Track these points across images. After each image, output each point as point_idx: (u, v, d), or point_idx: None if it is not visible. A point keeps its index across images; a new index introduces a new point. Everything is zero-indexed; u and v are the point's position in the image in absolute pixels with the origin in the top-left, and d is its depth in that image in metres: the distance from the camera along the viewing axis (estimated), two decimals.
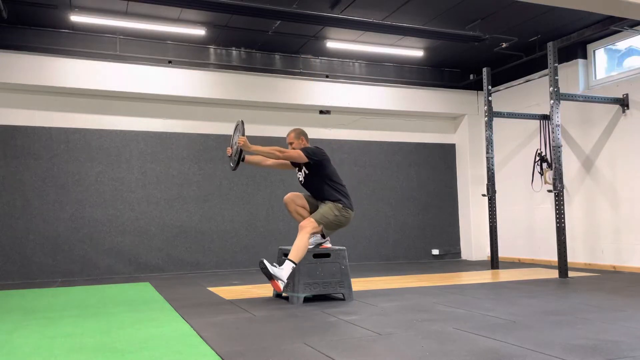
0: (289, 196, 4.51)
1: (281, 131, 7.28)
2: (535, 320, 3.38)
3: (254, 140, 7.40)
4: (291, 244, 4.34)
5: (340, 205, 4.37)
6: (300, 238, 4.17)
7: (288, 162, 4.54)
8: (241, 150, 4.35)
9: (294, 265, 4.10)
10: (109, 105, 6.90)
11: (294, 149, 4.48)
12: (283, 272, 4.04)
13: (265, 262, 4.01)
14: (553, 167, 5.94)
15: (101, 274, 6.57)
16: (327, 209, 4.33)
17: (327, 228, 4.34)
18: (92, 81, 6.56)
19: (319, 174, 4.41)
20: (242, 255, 7.22)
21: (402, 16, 6.23)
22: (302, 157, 4.32)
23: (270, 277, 4.01)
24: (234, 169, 4.55)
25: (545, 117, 7.03)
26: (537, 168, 7.22)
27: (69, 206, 6.55)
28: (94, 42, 6.70)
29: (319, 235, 4.42)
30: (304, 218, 4.43)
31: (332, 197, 4.38)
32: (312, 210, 4.47)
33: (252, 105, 7.48)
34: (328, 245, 4.49)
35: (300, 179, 4.55)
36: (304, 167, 4.47)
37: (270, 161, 4.58)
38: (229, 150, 4.60)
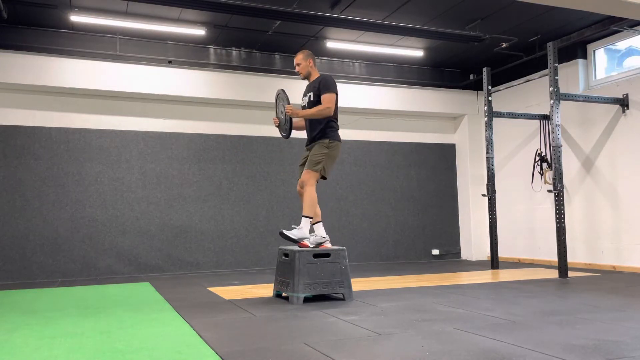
0: (299, 183, 4.58)
1: None
2: (535, 320, 3.38)
3: (255, 139, 7.46)
4: (291, 243, 4.35)
5: (327, 140, 4.45)
6: (307, 192, 4.36)
7: None
8: (291, 119, 4.50)
9: (310, 219, 4.36)
10: (109, 105, 6.90)
11: (300, 71, 4.59)
12: (303, 230, 4.31)
13: (284, 231, 4.27)
14: (553, 167, 5.94)
15: (101, 274, 6.57)
16: (314, 153, 4.43)
17: (326, 167, 4.43)
18: (92, 81, 6.56)
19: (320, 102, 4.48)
20: (242, 255, 7.22)
21: (402, 16, 6.23)
22: (334, 98, 4.44)
23: (296, 242, 4.27)
24: (287, 137, 4.68)
25: (545, 117, 7.03)
26: (537, 168, 7.22)
27: (69, 206, 6.55)
28: (93, 42, 6.70)
29: (320, 235, 4.44)
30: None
31: (323, 135, 4.45)
32: None
33: (252, 105, 7.48)
34: (328, 245, 4.50)
35: (303, 104, 4.63)
36: (310, 94, 4.53)
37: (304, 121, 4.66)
38: (275, 120, 4.72)
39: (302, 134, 4.74)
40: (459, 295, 4.55)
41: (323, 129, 4.46)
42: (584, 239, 6.84)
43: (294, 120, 4.61)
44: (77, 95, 6.76)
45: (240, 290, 5.15)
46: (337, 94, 4.50)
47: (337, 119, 4.56)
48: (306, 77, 4.66)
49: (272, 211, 7.43)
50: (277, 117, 4.74)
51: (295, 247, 4.36)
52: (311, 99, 4.51)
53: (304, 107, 4.61)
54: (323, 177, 4.50)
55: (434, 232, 8.34)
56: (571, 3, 4.43)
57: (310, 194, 4.36)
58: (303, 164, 4.61)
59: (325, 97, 4.41)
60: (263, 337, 3.01)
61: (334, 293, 4.34)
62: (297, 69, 4.62)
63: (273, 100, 7.27)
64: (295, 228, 4.34)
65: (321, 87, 4.45)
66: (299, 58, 4.60)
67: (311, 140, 4.57)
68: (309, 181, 4.38)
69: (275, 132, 7.39)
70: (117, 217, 6.73)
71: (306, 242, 4.30)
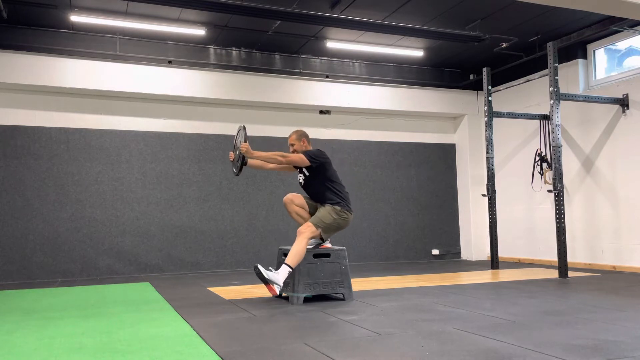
0: (288, 197, 4.52)
1: (281, 131, 7.29)
2: (535, 320, 3.38)
3: (255, 140, 7.45)
4: (291, 243, 4.34)
5: (339, 208, 4.36)
6: (298, 243, 4.15)
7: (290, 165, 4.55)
8: (244, 157, 4.38)
9: (290, 270, 4.09)
10: (109, 105, 6.90)
11: (295, 150, 4.49)
12: (279, 276, 4.02)
13: (260, 267, 3.98)
14: (553, 167, 5.94)
15: (101, 274, 6.57)
16: (325, 212, 4.32)
17: (326, 231, 4.33)
18: (92, 81, 6.56)
19: (319, 176, 4.41)
20: (242, 255, 7.22)
21: (402, 16, 6.23)
22: (304, 161, 4.33)
23: (266, 282, 4.01)
24: (237, 174, 4.55)
25: (545, 117, 7.03)
26: (537, 168, 7.22)
27: (69, 206, 6.55)
28: (94, 42, 6.70)
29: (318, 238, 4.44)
30: (303, 219, 4.43)
31: (330, 200, 4.37)
32: (312, 211, 4.47)
33: (252, 105, 7.48)
34: (328, 245, 4.49)
35: (300, 181, 4.55)
36: (304, 169, 4.46)
37: (272, 164, 4.59)
38: (231, 155, 4.60)
39: None
40: (459, 295, 4.55)
41: (333, 197, 4.36)
42: (584, 239, 6.84)
43: (251, 160, 4.50)
44: (77, 95, 6.76)
45: (240, 290, 5.15)
46: (322, 163, 4.36)
47: (338, 183, 4.45)
48: None
49: (272, 211, 7.43)
50: (232, 151, 4.60)
51: None
52: (306, 173, 4.44)
53: (300, 183, 4.54)
54: (321, 239, 4.36)
55: (434, 232, 8.34)
56: (571, 3, 4.43)
57: (301, 246, 4.13)
58: (310, 202, 4.49)
59: (295, 154, 4.36)
60: (263, 337, 3.01)
61: (334, 293, 4.34)
62: (291, 149, 4.53)
63: (273, 100, 7.37)
64: (272, 271, 4.11)
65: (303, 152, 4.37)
66: (292, 139, 4.54)
67: (315, 201, 4.48)
68: (305, 234, 4.18)
69: (275, 132, 7.45)
70: (117, 217, 6.72)
71: (275, 288, 3.99)
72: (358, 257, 7.73)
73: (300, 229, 4.26)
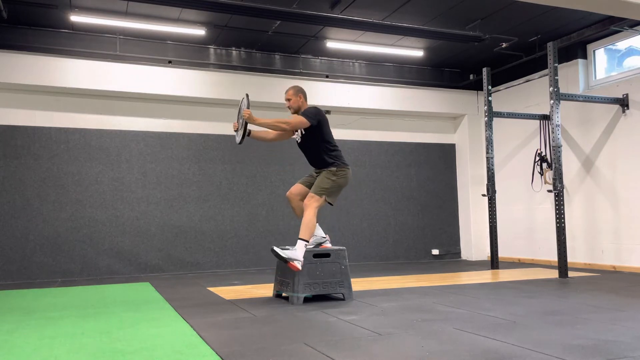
0: (291, 192, 4.57)
1: None
2: (535, 320, 3.38)
3: (255, 139, 7.45)
4: (291, 243, 4.35)
5: (334, 169, 4.41)
6: (307, 215, 4.25)
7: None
8: (246, 123, 4.38)
9: (306, 243, 4.20)
10: (109, 105, 6.90)
11: (290, 106, 4.53)
12: (297, 252, 4.15)
13: (276, 249, 4.12)
14: (553, 167, 5.94)
15: (101, 274, 6.57)
16: (322, 178, 4.37)
17: (330, 196, 4.37)
18: (92, 81, 6.56)
19: (315, 136, 4.43)
20: (242, 255, 7.22)
21: (402, 16, 6.23)
22: (304, 122, 4.36)
23: (286, 261, 4.10)
24: (240, 142, 4.53)
25: (545, 117, 7.03)
26: (537, 168, 7.22)
27: (69, 206, 6.55)
28: (94, 42, 6.70)
29: (319, 235, 4.44)
30: None
31: (326, 163, 4.41)
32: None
33: (252, 105, 7.37)
34: (328, 245, 4.50)
35: (297, 140, 4.58)
36: (302, 129, 4.48)
37: (272, 134, 4.63)
38: (235, 124, 4.60)
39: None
40: (459, 295, 4.55)
41: (326, 157, 4.41)
42: (584, 239, 6.84)
43: (255, 131, 4.54)
44: (77, 95, 6.76)
45: (240, 290, 5.15)
46: (319, 120, 4.39)
47: (332, 143, 4.49)
48: (296, 112, 4.54)
49: (272, 211, 7.43)
50: (236, 121, 4.61)
51: None
52: (303, 132, 4.46)
53: (297, 142, 4.57)
54: (330, 203, 4.43)
55: (434, 232, 8.34)
56: (571, 3, 4.43)
57: (310, 218, 4.22)
58: (308, 183, 4.53)
59: (295, 117, 4.39)
60: (263, 337, 3.01)
61: (334, 293, 4.34)
62: (287, 104, 4.56)
63: (273, 100, 7.37)
64: (289, 249, 4.21)
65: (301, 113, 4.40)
66: (289, 94, 4.56)
67: (315, 169, 4.54)
68: (311, 205, 4.26)
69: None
70: (117, 217, 6.73)
71: (296, 264, 4.10)
72: (358, 257, 7.73)
73: (305, 201, 4.32)
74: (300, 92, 4.57)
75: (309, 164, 4.62)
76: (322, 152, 4.43)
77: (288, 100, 4.56)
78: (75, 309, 4.10)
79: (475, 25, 6.48)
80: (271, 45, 7.27)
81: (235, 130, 4.57)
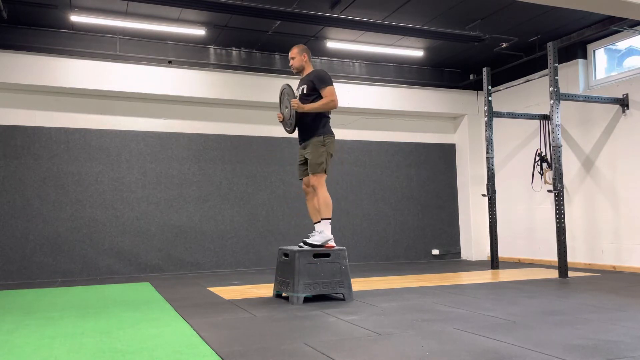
0: (304, 185, 4.63)
1: (281, 131, 7.26)
2: (535, 320, 3.38)
3: (255, 140, 7.46)
4: (291, 243, 4.35)
5: (322, 138, 4.45)
6: (320, 194, 4.37)
7: None
8: (297, 113, 4.44)
9: (329, 220, 4.36)
10: (109, 105, 6.90)
11: (293, 64, 4.61)
12: (325, 233, 4.33)
13: (307, 240, 4.29)
14: (553, 167, 5.94)
15: (101, 274, 6.57)
16: (313, 153, 4.42)
17: (327, 164, 4.45)
18: (92, 81, 6.56)
19: (313, 96, 4.46)
20: (242, 255, 7.22)
21: (402, 16, 6.23)
22: (333, 93, 4.40)
23: (322, 246, 4.26)
24: (292, 131, 4.62)
25: (545, 117, 7.03)
26: (537, 168, 7.22)
27: (69, 206, 6.55)
28: (94, 42, 6.70)
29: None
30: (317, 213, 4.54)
31: (315, 131, 4.44)
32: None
33: (252, 105, 7.48)
34: (332, 244, 4.47)
35: (296, 94, 4.60)
36: (304, 87, 4.51)
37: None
38: (279, 115, 4.66)
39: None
40: (459, 295, 4.55)
41: (313, 125, 4.45)
42: (584, 239, 6.84)
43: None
44: (77, 95, 6.76)
45: (240, 290, 5.15)
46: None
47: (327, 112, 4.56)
48: (299, 71, 4.65)
49: (272, 211, 7.43)
50: (281, 112, 4.70)
51: (295, 247, 4.36)
52: (304, 91, 4.50)
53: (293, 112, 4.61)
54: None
55: (434, 232, 8.35)
56: (571, 3, 4.43)
57: (324, 196, 4.36)
58: (302, 163, 4.60)
59: (327, 91, 4.41)
60: (263, 337, 3.01)
61: (334, 293, 4.34)
62: (291, 62, 4.64)
63: (273, 100, 7.36)
64: (314, 234, 4.34)
65: (318, 82, 4.43)
66: (293, 52, 4.63)
67: (303, 139, 4.56)
68: (319, 184, 4.38)
69: (274, 132, 7.44)
70: (117, 217, 6.73)
71: (331, 242, 4.32)
72: (358, 257, 7.73)
73: (312, 182, 4.41)
74: (304, 52, 4.62)
75: (299, 134, 4.61)
76: (318, 116, 4.46)
77: (292, 59, 4.62)
78: (75, 309, 4.10)
79: (475, 25, 6.48)
80: (271, 45, 7.27)
81: (281, 121, 4.66)
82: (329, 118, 4.56)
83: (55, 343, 2.93)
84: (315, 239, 4.30)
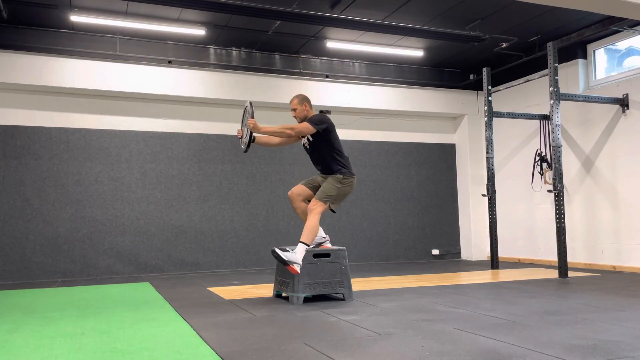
0: (293, 191, 4.58)
1: None
2: (535, 320, 3.38)
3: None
4: (291, 243, 4.35)
5: (341, 176, 4.41)
6: (311, 219, 4.27)
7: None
8: (251, 132, 4.39)
9: (307, 247, 4.21)
10: (109, 105, 6.90)
11: (297, 116, 4.55)
12: (297, 255, 4.16)
13: (277, 250, 4.13)
14: (553, 167, 5.94)
15: (101, 274, 6.57)
16: (328, 185, 4.38)
17: (334, 202, 4.40)
18: (92, 81, 6.56)
19: (322, 142, 4.44)
20: (242, 255, 7.22)
21: (402, 16, 6.23)
22: (310, 129, 4.37)
23: (286, 264, 4.11)
24: (245, 151, 4.56)
25: (545, 117, 7.03)
26: (537, 168, 7.22)
27: (69, 206, 6.55)
28: (94, 42, 6.70)
29: (320, 235, 4.45)
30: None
31: (333, 169, 4.42)
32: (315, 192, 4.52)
33: (254, 106, 7.45)
34: (328, 245, 4.50)
35: (305, 146, 4.58)
36: (309, 135, 4.49)
37: (277, 140, 4.63)
38: (239, 132, 4.61)
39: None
40: (459, 295, 4.55)
41: (333, 164, 4.41)
42: (584, 239, 6.84)
43: (260, 136, 4.53)
44: (77, 95, 6.76)
45: (240, 290, 5.15)
46: (325, 127, 4.39)
47: (340, 150, 4.48)
48: (303, 121, 4.53)
49: (272, 211, 7.43)
50: (240, 129, 4.62)
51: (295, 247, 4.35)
52: (310, 139, 4.47)
53: (305, 148, 4.58)
54: (332, 211, 4.45)
55: (434, 232, 8.34)
56: (571, 3, 4.43)
57: (314, 223, 4.26)
58: (311, 185, 4.54)
59: (302, 124, 4.39)
60: (263, 337, 3.01)
61: (334, 293, 4.34)
62: (293, 113, 4.57)
63: (273, 100, 7.37)
64: (289, 251, 4.21)
65: (310, 122, 4.39)
66: (294, 103, 4.57)
67: (323, 173, 4.53)
68: (315, 210, 4.30)
69: None
70: (117, 217, 6.73)
71: (296, 267, 4.12)
72: (358, 257, 7.73)
73: (310, 206, 4.34)
74: (305, 101, 4.57)
75: (316, 168, 4.61)
76: (330, 158, 4.44)
77: (294, 110, 4.56)
78: (75, 309, 4.10)
79: (475, 25, 6.48)
80: (271, 45, 7.27)
81: (240, 138, 4.58)
82: (343, 155, 4.49)
83: (55, 343, 2.93)
84: (286, 254, 4.12)
